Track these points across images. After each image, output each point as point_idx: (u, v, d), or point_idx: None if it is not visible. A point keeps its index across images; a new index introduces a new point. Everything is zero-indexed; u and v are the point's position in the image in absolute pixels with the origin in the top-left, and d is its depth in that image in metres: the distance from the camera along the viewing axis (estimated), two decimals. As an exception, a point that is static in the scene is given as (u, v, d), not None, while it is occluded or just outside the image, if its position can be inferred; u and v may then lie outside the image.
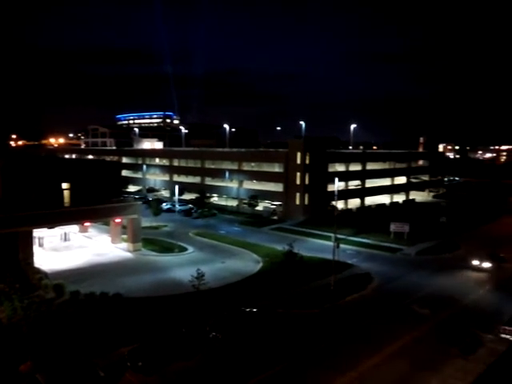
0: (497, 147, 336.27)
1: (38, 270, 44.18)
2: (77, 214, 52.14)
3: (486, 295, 41.09)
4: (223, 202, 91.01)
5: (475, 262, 49.36)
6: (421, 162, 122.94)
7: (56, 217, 49.96)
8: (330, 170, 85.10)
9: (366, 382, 26.03)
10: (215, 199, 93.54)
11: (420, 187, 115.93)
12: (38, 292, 35.57)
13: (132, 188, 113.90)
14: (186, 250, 56.50)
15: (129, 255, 54.24)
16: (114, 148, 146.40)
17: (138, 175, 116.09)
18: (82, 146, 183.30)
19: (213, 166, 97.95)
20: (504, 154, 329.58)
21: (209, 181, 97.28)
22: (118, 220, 57.36)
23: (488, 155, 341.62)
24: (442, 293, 41.35)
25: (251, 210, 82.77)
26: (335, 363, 28.05)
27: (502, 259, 50.87)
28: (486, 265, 48.75)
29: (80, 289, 38.81)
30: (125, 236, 58.44)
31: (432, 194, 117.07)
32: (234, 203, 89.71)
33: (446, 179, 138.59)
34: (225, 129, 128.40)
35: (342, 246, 53.70)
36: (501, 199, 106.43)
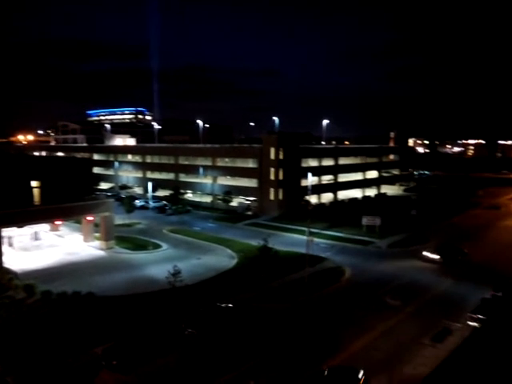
0: (464, 141, 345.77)
1: (8, 271, 43.04)
2: (47, 212, 51.09)
3: (452, 286, 42.44)
4: (197, 199, 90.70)
5: (426, 253, 50.74)
6: (391, 157, 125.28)
7: (26, 216, 48.78)
8: (304, 165, 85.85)
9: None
10: (189, 195, 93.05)
11: (391, 181, 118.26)
12: (8, 293, 34.66)
13: (104, 185, 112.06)
14: (160, 247, 56.16)
15: (102, 253, 53.53)
16: (85, 145, 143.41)
17: (110, 172, 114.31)
18: (52, 143, 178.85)
19: (187, 162, 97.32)
20: (471, 148, 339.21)
21: (183, 177, 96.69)
22: (90, 218, 56.51)
23: (456, 149, 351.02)
24: (412, 284, 42.47)
25: (226, 206, 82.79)
26: (309, 356, 28.53)
27: (459, 251, 51.30)
28: (435, 256, 49.74)
29: (51, 288, 38.14)
30: (97, 234, 57.62)
31: (402, 187, 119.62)
32: (208, 199, 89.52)
33: (415, 173, 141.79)
34: (198, 124, 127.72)
35: (315, 239, 54.58)
36: (469, 192, 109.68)
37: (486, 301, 36.18)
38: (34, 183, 54.96)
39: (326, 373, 25.11)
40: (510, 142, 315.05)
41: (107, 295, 38.22)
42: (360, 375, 24.86)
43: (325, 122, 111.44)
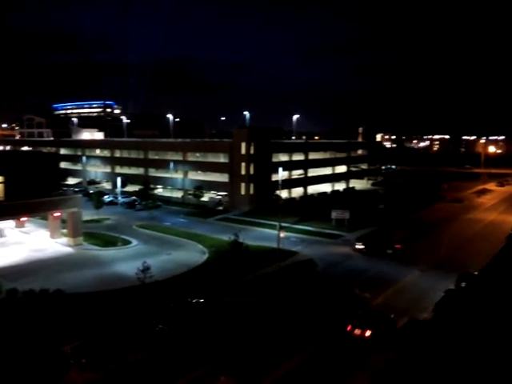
0: (430, 137, 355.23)
1: (-29, 269, 41.85)
2: (12, 208, 49.71)
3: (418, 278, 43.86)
4: (168, 194, 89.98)
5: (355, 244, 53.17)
6: (360, 152, 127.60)
7: (-11, 212, 47.41)
8: (274, 159, 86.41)
9: (309, 368, 27.19)
10: (160, 191, 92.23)
11: (359, 175, 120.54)
12: (-29, 292, 33.83)
13: (71, 180, 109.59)
14: (130, 243, 55.55)
15: (69, 250, 52.54)
16: (52, 139, 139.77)
17: (78, 167, 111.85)
18: (17, 137, 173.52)
19: (156, 157, 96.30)
20: (436, 143, 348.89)
21: (153, 172, 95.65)
22: (56, 214, 55.28)
23: (422, 144, 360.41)
24: (381, 276, 43.62)
25: (197, 201, 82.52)
26: (280, 350, 29.02)
27: (388, 243, 52.78)
28: (360, 246, 51.89)
29: (17, 286, 37.12)
30: (65, 230, 56.47)
31: (371, 181, 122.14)
32: (179, 194, 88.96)
33: (383, 167, 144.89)
34: (169, 119, 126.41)
35: (286, 233, 55.23)
36: (434, 186, 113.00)
37: (451, 292, 37.60)
38: (-3, 179, 53.35)
39: (361, 314, 31.25)
40: (473, 138, 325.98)
41: (76, 292, 37.61)
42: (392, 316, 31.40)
43: (295, 117, 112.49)
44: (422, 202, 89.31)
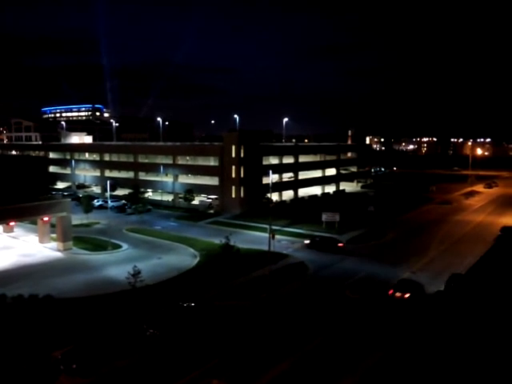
0: (418, 139, 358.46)
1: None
2: (0, 213, 49.17)
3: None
4: (158, 197, 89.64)
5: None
6: (349, 154, 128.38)
7: (-24, 217, 46.89)
8: (265, 162, 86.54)
9: (301, 370, 27.26)
10: (150, 194, 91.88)
11: (349, 178, 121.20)
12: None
13: (61, 185, 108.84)
14: (120, 247, 55.23)
15: (59, 255, 52.10)
16: (40, 143, 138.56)
17: (67, 171, 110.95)
18: (5, 141, 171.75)
19: (146, 161, 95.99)
20: (425, 145, 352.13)
21: (142, 176, 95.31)
22: (45, 218, 54.80)
23: (411, 147, 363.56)
24: (373, 278, 43.87)
25: (187, 205, 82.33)
26: (272, 353, 29.05)
27: (332, 242, 54.94)
28: (307, 241, 55.78)
29: (6, 292, 36.74)
30: (54, 235, 55.98)
31: (360, 184, 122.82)
32: (169, 198, 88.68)
33: (372, 170, 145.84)
34: (158, 122, 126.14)
35: (277, 236, 55.31)
36: (422, 188, 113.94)
37: (440, 293, 38.08)
38: (-15, 183, 52.77)
39: (399, 282, 38.93)
40: (461, 140, 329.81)
41: (66, 297, 37.33)
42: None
43: (284, 120, 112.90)
44: (410, 203, 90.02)
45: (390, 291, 37.52)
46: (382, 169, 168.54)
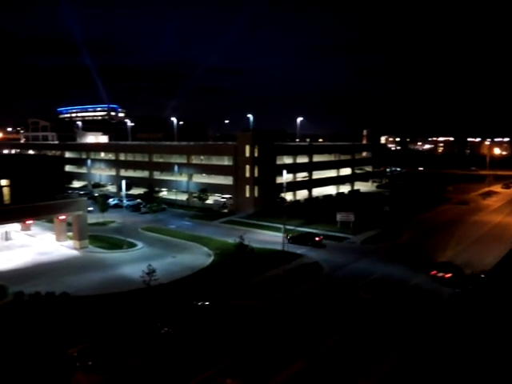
0: (435, 139, 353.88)
1: (-23, 272, 42.00)
2: (18, 211, 49.92)
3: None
4: (173, 196, 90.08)
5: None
6: (364, 154, 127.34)
7: (-5, 215, 47.60)
8: (279, 162, 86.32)
9: (316, 371, 27.05)
10: (164, 193, 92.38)
11: (364, 178, 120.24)
12: (-23, 295, 33.94)
13: (77, 184, 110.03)
14: (135, 245, 55.61)
15: (75, 253, 52.66)
16: (57, 142, 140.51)
17: (83, 170, 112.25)
18: (22, 141, 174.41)
19: (161, 160, 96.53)
20: (441, 145, 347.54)
21: (157, 175, 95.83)
22: (62, 217, 55.43)
23: (427, 146, 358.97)
24: (388, 279, 43.40)
25: (201, 204, 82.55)
26: (286, 353, 28.89)
27: (310, 237, 56.88)
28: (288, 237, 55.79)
29: (24, 289, 37.34)
30: (70, 233, 56.61)
31: (375, 184, 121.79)
32: (183, 197, 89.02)
33: (388, 170, 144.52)
34: (172, 122, 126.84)
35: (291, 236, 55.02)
36: (439, 188, 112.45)
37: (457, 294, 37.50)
38: (3, 182, 53.62)
39: (440, 264, 44.28)
40: (478, 139, 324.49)
41: (82, 295, 37.70)
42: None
43: (299, 119, 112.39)
44: (427, 204, 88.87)
45: (434, 272, 42.40)
46: (398, 169, 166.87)
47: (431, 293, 39.37)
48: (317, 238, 56.60)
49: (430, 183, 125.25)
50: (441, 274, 41.89)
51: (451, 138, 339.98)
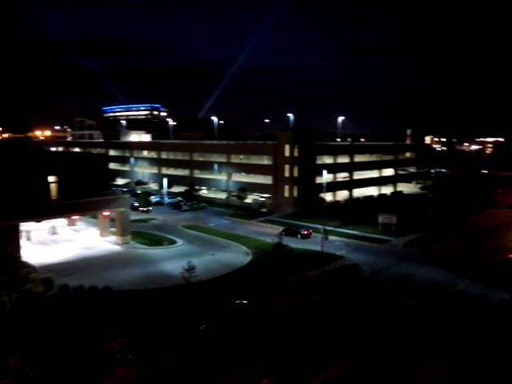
0: (482, 139, 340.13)
1: (26, 264, 43.79)
2: (64, 207, 51.74)
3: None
4: (212, 195, 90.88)
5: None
6: (408, 154, 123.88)
7: (43, 210, 49.54)
8: (319, 162, 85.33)
9: (353, 376, 26.42)
10: (204, 192, 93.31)
11: (407, 179, 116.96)
12: (26, 286, 35.33)
13: (120, 181, 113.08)
14: (175, 242, 56.43)
15: (118, 248, 54.01)
16: (101, 140, 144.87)
17: (126, 168, 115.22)
18: (69, 139, 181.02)
19: (201, 159, 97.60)
20: (490, 146, 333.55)
21: (197, 173, 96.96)
22: (106, 213, 57.00)
23: (474, 147, 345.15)
24: (429, 284, 41.90)
25: (240, 203, 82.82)
26: (324, 355, 28.37)
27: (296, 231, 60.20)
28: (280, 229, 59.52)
29: (69, 282, 38.60)
30: (113, 229, 58.13)
31: (419, 185, 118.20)
32: (223, 196, 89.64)
33: (432, 171, 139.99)
34: (213, 121, 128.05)
35: (330, 237, 54.31)
36: (487, 191, 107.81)
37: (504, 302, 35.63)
38: (51, 178, 55.60)
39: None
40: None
41: (123, 290, 38.52)
42: None
43: (340, 118, 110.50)
44: (474, 206, 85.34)
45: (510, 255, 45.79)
46: (443, 170, 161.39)
47: (477, 299, 37.70)
48: (305, 232, 60.15)
49: (477, 185, 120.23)
50: None
51: (501, 139, 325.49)
